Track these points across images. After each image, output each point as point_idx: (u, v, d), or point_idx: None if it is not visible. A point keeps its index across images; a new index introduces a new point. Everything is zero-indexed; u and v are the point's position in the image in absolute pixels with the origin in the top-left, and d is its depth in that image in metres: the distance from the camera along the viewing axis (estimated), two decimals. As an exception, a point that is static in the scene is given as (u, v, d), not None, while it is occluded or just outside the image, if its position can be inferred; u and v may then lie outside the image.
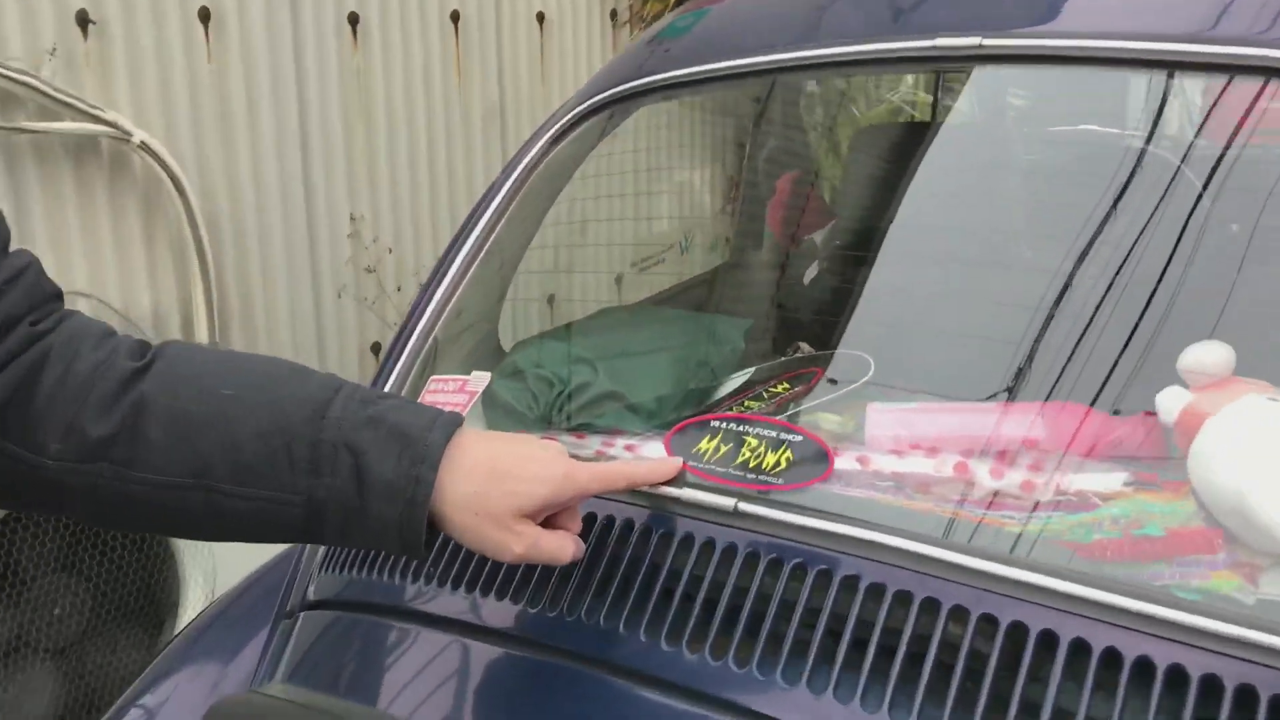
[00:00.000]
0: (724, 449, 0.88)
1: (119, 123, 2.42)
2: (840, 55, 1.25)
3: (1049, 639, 0.75)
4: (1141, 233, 1.23)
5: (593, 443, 1.16)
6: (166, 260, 2.59)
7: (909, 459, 1.10)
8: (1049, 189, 1.58)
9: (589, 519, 0.88)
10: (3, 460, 0.72)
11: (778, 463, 0.85)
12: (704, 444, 0.89)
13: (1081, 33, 1.02)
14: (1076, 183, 1.47)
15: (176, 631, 2.26)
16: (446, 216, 3.29)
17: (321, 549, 1.15)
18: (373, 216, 3.08)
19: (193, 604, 2.28)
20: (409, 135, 3.16)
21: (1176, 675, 0.73)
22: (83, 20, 2.38)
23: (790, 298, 1.76)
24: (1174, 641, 0.74)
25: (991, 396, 1.20)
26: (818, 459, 0.86)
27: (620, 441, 1.13)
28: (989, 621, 0.75)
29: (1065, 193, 1.47)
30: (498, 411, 1.24)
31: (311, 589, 1.13)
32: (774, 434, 0.88)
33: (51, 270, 0.79)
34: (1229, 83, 1.01)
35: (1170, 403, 1.06)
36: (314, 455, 0.73)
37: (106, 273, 2.49)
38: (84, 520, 0.86)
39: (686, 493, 0.84)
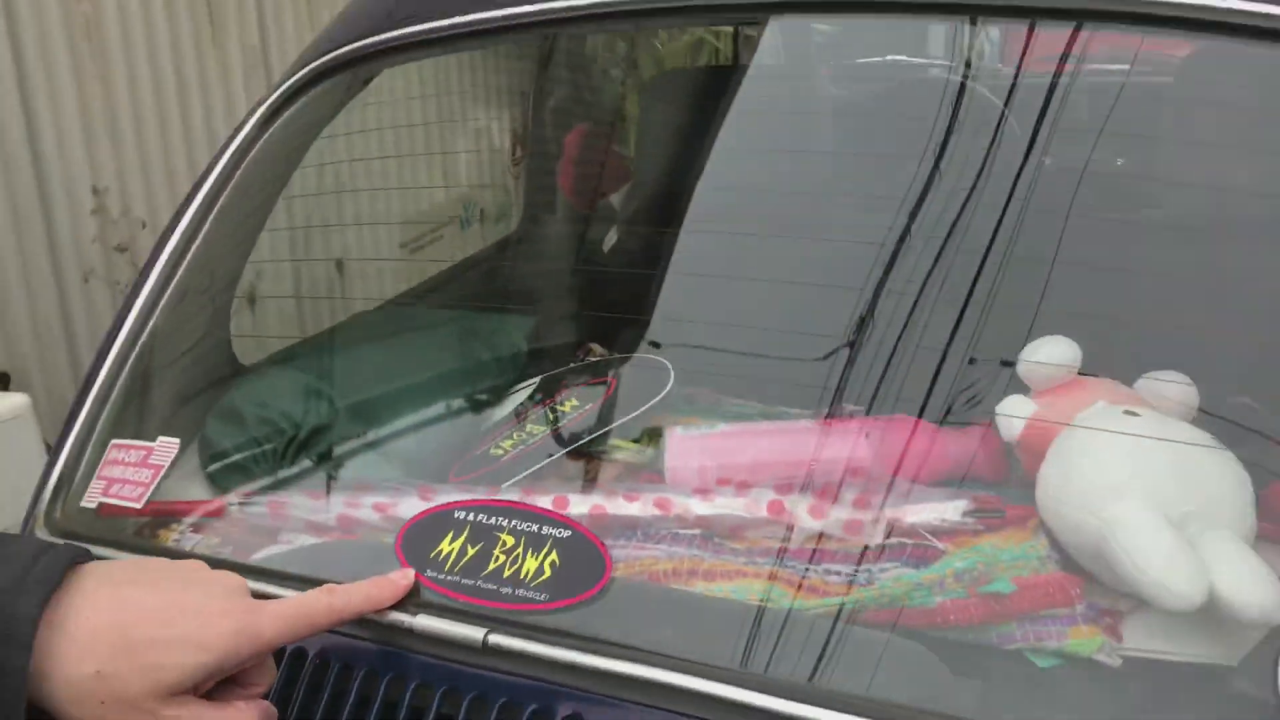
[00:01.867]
0: (471, 551, 0.66)
1: None
2: (620, 3, 1.04)
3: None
4: (970, 195, 1.06)
5: (334, 504, 0.93)
6: None
7: (716, 500, 0.92)
8: (862, 137, 1.41)
9: (296, 657, 0.65)
10: None
11: (540, 569, 0.64)
12: (444, 545, 0.67)
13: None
14: (892, 128, 1.31)
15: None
16: (211, 181, 2.93)
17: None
18: (119, 187, 2.70)
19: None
20: (155, 92, 2.78)
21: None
22: None
23: (584, 278, 1.55)
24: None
25: (807, 405, 1.02)
26: (589, 562, 0.66)
27: (368, 500, 0.90)
28: None
29: (881, 141, 1.30)
30: (218, 469, 0.99)
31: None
32: (535, 528, 0.67)
33: None
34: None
35: (1014, 412, 0.91)
36: None
37: None
38: None
39: (421, 620, 0.63)
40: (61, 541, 0.62)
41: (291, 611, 0.59)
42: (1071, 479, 0.82)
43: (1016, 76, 1.06)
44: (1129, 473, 0.80)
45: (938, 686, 0.68)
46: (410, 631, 0.63)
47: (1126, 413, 0.84)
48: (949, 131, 1.13)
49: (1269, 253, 0.92)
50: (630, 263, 1.53)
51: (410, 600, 0.64)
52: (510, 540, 0.66)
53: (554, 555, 0.65)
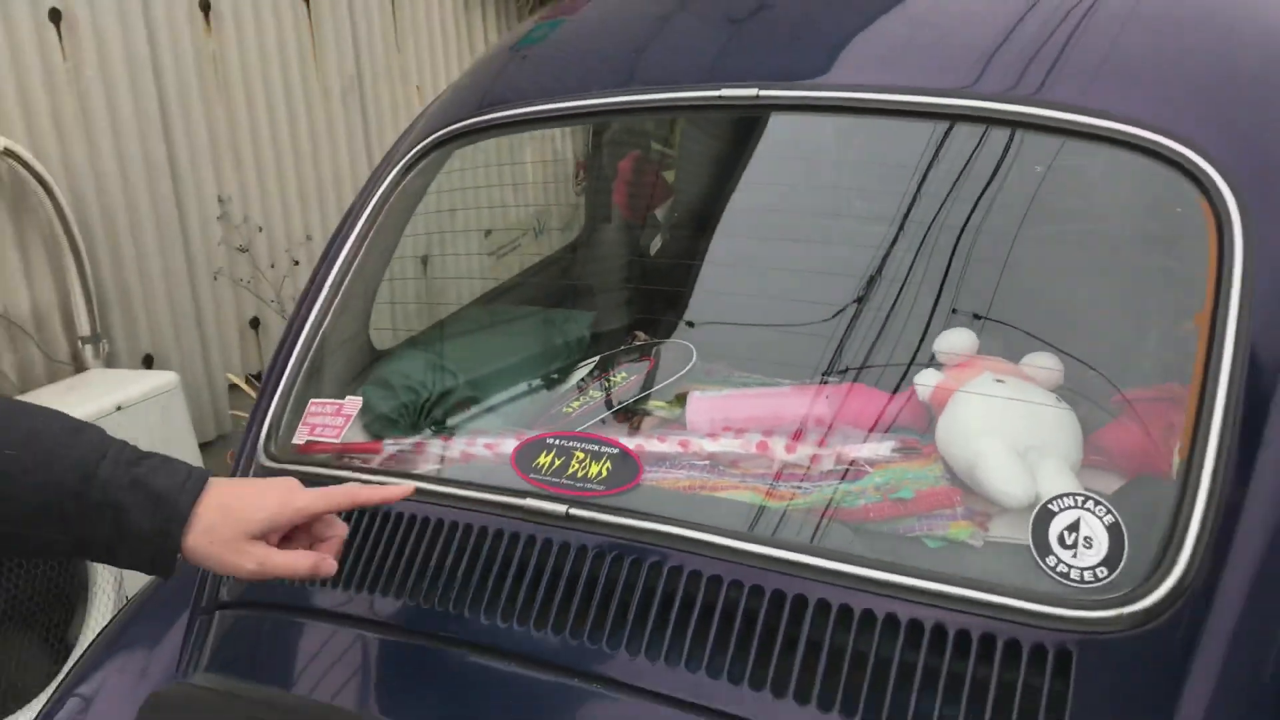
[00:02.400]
0: (557, 462, 1.08)
1: (-20, 131, 2.48)
2: (644, 102, 1.45)
3: (822, 604, 0.98)
4: (921, 244, 1.46)
5: (458, 444, 1.36)
6: (41, 261, 2.67)
7: (721, 440, 1.32)
8: (846, 188, 1.81)
9: (450, 527, 1.08)
10: None
11: (599, 472, 1.06)
12: (541, 458, 1.10)
13: (823, 84, 1.24)
14: (864, 188, 1.70)
15: (88, 624, 2.40)
16: (313, 190, 3.39)
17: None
18: (241, 196, 3.17)
19: (101, 600, 2.42)
20: (269, 113, 3.24)
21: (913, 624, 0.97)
22: (-68, 31, 2.42)
23: (634, 277, 1.97)
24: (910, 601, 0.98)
25: (790, 379, 1.43)
26: (630, 468, 1.08)
27: (481, 440, 1.33)
28: (775, 593, 0.98)
29: (858, 195, 1.70)
30: (374, 419, 1.42)
31: (223, 590, 1.31)
32: (595, 448, 1.09)
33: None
34: (950, 126, 1.24)
35: (926, 381, 1.31)
36: (81, 510, 0.93)
37: (-18, 277, 2.56)
38: None
39: (528, 501, 1.05)
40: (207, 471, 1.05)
41: (326, 493, 1.00)
42: (955, 424, 1.22)
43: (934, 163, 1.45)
44: (989, 420, 1.20)
45: (852, 544, 1.09)
46: (521, 509, 1.05)
47: (996, 381, 1.24)
48: (916, 185, 1.52)
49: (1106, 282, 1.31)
50: (670, 264, 1.94)
51: (521, 490, 1.06)
52: (581, 454, 1.08)
53: (608, 463, 1.07)
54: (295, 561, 0.98)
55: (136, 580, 2.11)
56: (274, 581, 0.98)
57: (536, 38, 1.77)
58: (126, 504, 0.94)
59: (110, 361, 2.82)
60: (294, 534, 1.01)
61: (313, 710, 1.06)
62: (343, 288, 1.48)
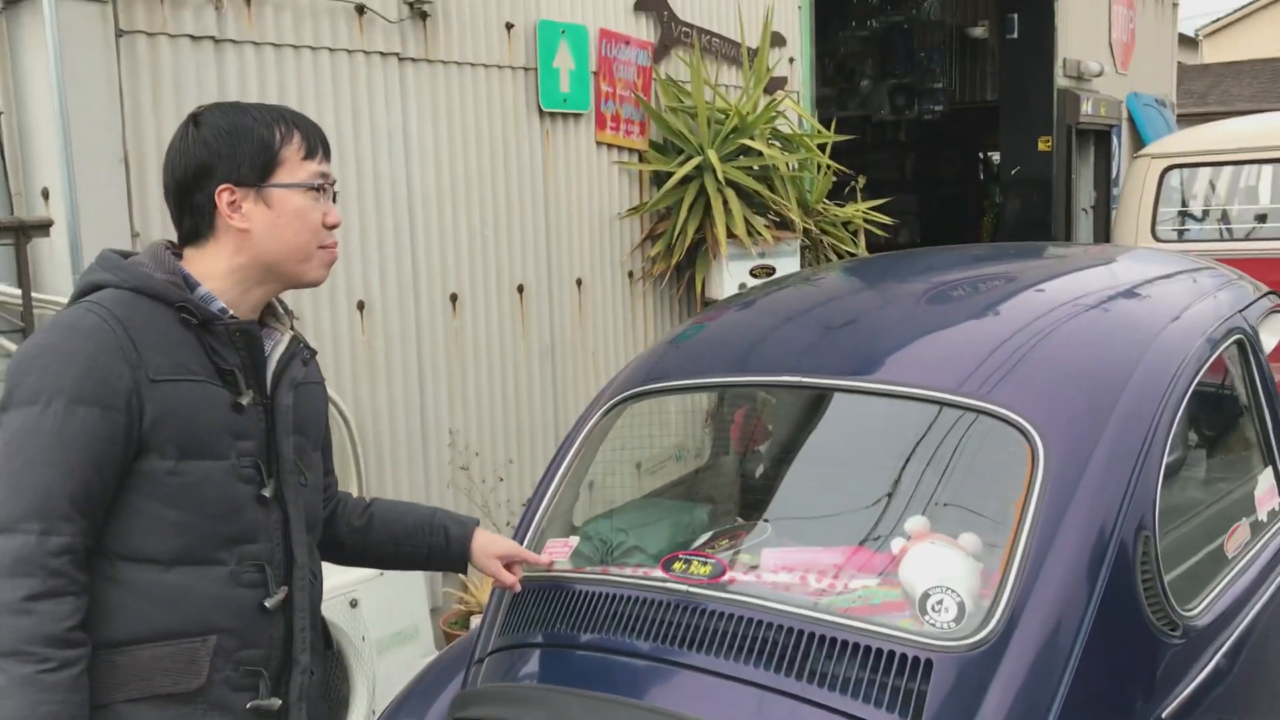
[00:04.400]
0: (690, 566, 2.10)
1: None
2: (750, 381, 2.55)
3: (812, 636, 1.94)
4: (901, 473, 2.47)
5: (627, 570, 2.39)
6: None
7: (779, 574, 2.32)
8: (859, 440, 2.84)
9: (596, 597, 2.10)
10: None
11: (702, 574, 2.08)
12: (678, 565, 2.12)
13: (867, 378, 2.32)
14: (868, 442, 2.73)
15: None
16: (514, 428, 4.57)
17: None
18: (464, 429, 4.37)
19: (360, 700, 3.45)
20: (489, 371, 4.49)
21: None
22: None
23: (741, 488, 3.02)
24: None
25: (823, 542, 2.42)
26: (720, 574, 2.09)
27: (641, 570, 2.36)
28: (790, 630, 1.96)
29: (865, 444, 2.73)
30: (580, 556, 2.47)
31: (490, 643, 2.33)
32: (708, 563, 2.12)
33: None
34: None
35: (896, 544, 2.29)
36: (432, 528, 2.05)
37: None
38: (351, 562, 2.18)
39: (670, 584, 2.07)
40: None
41: (519, 551, 2.12)
42: (907, 568, 2.19)
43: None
44: (924, 567, 2.16)
45: (839, 617, 2.06)
46: (665, 587, 2.07)
47: (931, 545, 2.21)
48: (896, 438, 2.54)
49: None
50: (761, 483, 2.98)
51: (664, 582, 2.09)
52: (697, 564, 2.11)
53: (709, 568, 2.09)
54: (508, 577, 2.08)
55: (387, 690, 3.11)
56: (512, 632, 2.05)
57: (687, 335, 2.90)
58: (449, 526, 2.06)
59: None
60: (510, 567, 2.10)
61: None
62: (562, 489, 2.56)
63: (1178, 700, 2.01)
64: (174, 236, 1.80)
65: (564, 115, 4.81)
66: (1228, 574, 2.31)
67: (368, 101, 3.86)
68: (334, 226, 1.81)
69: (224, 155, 1.69)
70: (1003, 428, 2.14)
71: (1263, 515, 2.58)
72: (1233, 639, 2.20)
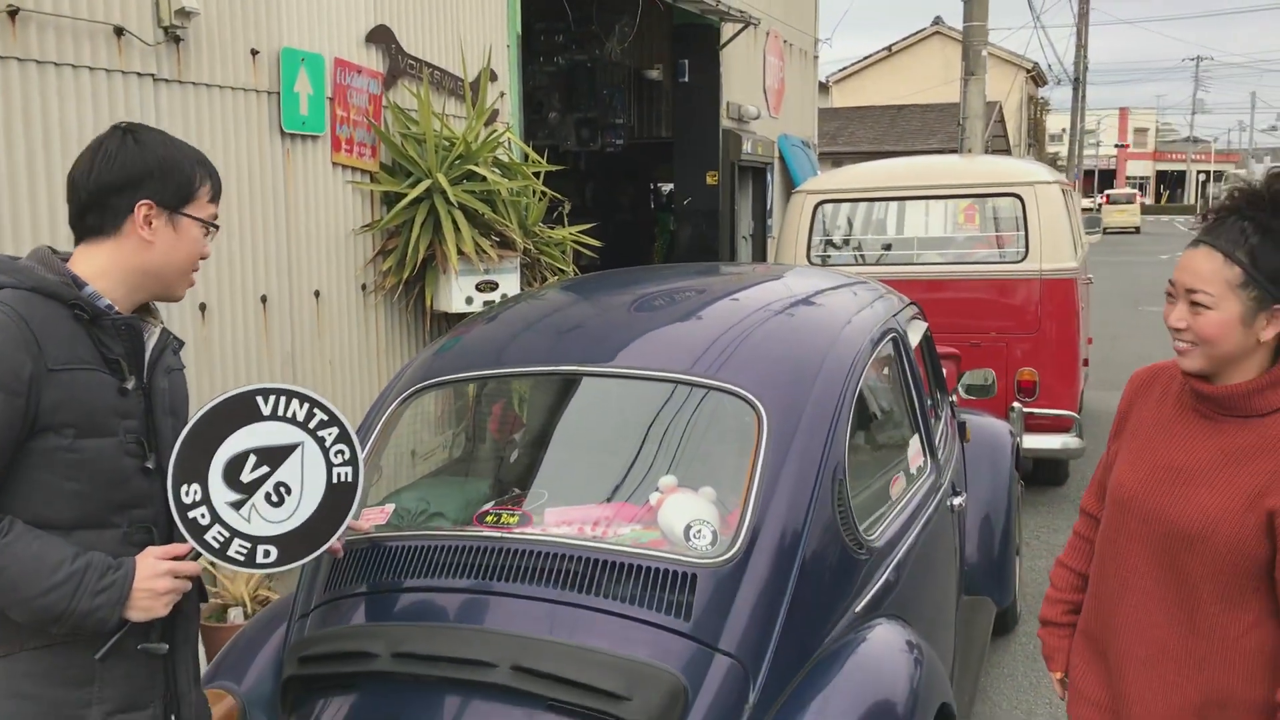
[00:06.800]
0: (500, 518, 2.57)
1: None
2: (519, 371, 3.05)
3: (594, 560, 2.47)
4: (645, 438, 3.06)
5: (435, 529, 2.82)
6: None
7: (561, 527, 2.83)
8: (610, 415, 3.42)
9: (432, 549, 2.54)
10: None
11: (511, 523, 2.56)
12: (489, 518, 2.59)
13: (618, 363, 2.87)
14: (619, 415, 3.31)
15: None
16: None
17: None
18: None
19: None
20: (235, 377, 4.68)
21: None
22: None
23: (508, 465, 3.50)
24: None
25: (592, 501, 2.95)
26: (527, 523, 2.58)
27: (453, 526, 2.79)
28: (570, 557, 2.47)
29: (616, 418, 3.30)
30: (388, 526, 2.87)
31: (315, 599, 2.68)
32: (515, 514, 2.60)
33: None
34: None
35: (654, 498, 2.86)
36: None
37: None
38: None
39: (484, 533, 2.53)
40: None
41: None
42: (663, 513, 2.76)
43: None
44: (679, 510, 2.75)
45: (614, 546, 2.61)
46: (465, 535, 2.53)
47: (681, 495, 2.80)
48: (640, 410, 3.12)
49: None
50: (527, 461, 3.48)
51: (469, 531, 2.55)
52: (506, 515, 2.58)
53: (517, 517, 2.57)
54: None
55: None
56: (342, 583, 2.42)
57: (448, 346, 3.35)
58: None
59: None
60: None
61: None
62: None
63: (865, 600, 2.71)
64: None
65: (303, 137, 5.08)
66: (893, 510, 3.08)
67: (125, 118, 3.99)
68: (204, 258, 2.14)
69: (156, 176, 1.99)
70: (733, 400, 2.77)
71: (913, 469, 3.39)
72: (899, 557, 2.95)
